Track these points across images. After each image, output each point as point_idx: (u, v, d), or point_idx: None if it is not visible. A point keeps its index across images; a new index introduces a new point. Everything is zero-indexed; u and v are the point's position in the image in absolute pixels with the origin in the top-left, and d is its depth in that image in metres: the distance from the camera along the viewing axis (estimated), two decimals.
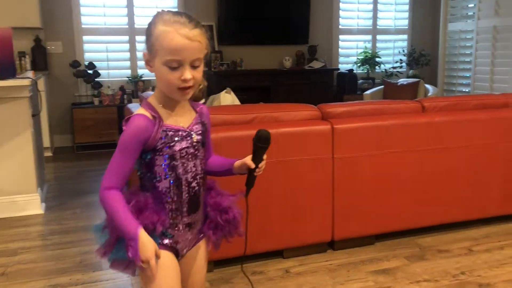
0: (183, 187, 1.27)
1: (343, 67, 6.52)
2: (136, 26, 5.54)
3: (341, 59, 6.62)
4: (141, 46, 5.48)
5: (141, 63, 5.47)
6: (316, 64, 6.14)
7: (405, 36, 6.86)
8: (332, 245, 2.57)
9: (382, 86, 5.92)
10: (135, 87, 5.54)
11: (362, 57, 6.46)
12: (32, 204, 3.24)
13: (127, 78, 5.60)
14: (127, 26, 5.57)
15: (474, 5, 5.87)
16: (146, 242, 1.18)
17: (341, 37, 6.55)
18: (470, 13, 6.00)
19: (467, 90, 6.03)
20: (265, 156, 1.35)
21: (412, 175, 2.59)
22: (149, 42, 1.22)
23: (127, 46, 5.62)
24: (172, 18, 1.19)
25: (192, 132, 1.28)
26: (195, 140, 1.28)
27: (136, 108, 1.47)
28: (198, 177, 1.30)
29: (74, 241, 2.76)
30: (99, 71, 5.40)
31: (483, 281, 2.22)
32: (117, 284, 2.23)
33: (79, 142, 5.22)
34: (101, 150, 5.21)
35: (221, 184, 1.43)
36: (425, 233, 2.75)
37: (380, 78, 6.50)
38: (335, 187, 2.45)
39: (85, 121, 5.19)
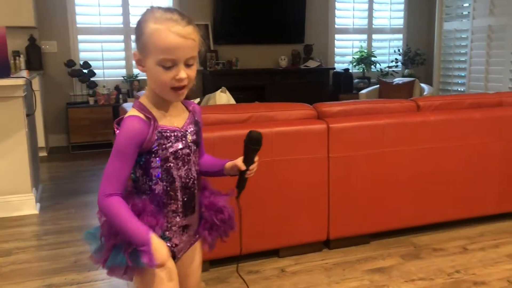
0: (180, 189, 1.25)
1: (339, 67, 6.53)
2: (131, 25, 5.52)
3: (336, 58, 6.63)
4: None
5: None
6: (311, 64, 6.15)
7: (400, 36, 6.88)
8: (328, 244, 2.57)
9: (378, 86, 5.93)
10: (130, 87, 5.53)
11: (357, 56, 6.47)
12: (26, 204, 3.23)
13: (122, 78, 5.58)
14: (122, 26, 5.56)
15: (469, 4, 5.89)
16: (159, 246, 1.15)
17: (336, 36, 6.56)
18: (465, 13, 6.02)
19: (462, 89, 6.05)
20: (256, 158, 1.33)
21: (407, 174, 2.60)
22: (140, 41, 1.18)
23: (122, 45, 5.61)
24: (164, 16, 1.15)
25: (187, 133, 1.26)
26: (190, 141, 1.26)
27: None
28: (193, 178, 1.28)
29: (69, 241, 2.75)
30: (94, 71, 5.38)
31: (477, 279, 2.23)
32: (112, 284, 2.23)
33: (74, 142, 5.20)
34: (96, 150, 5.20)
35: (213, 183, 1.41)
36: (420, 232, 2.76)
37: (376, 77, 6.51)
38: (330, 186, 2.45)
39: (80, 120, 5.17)
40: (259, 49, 6.18)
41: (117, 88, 5.49)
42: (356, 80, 6.40)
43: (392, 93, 5.62)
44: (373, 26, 6.72)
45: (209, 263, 2.32)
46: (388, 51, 6.85)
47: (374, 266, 2.38)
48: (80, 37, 5.47)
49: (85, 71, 5.32)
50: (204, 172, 1.36)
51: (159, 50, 1.15)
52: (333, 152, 2.43)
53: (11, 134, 3.17)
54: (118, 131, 1.20)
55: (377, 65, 6.52)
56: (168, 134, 1.21)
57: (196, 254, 1.39)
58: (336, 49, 6.60)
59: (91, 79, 5.35)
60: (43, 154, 4.88)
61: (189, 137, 1.26)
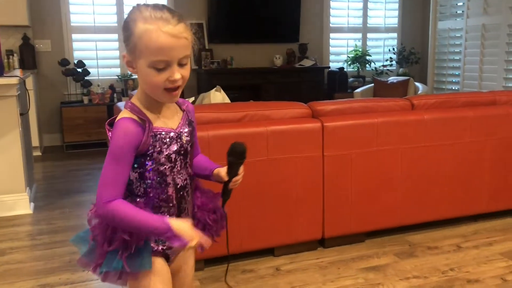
0: (174, 191, 1.23)
1: (334, 65, 6.54)
2: None
3: (331, 57, 6.63)
4: None
5: None
6: (306, 63, 6.15)
7: (395, 35, 6.90)
8: (323, 242, 2.57)
9: (372, 84, 5.94)
10: (124, 86, 5.51)
11: (352, 55, 6.48)
12: (20, 204, 3.21)
13: (117, 77, 5.57)
14: (116, 24, 5.54)
15: (463, 3, 5.91)
16: (181, 226, 1.12)
17: (331, 35, 6.57)
18: (459, 12, 6.05)
19: (456, 88, 6.07)
20: (241, 170, 1.29)
21: (401, 173, 2.61)
22: (129, 42, 1.12)
23: (116, 44, 5.59)
24: (153, 14, 1.10)
25: (181, 134, 1.22)
26: (184, 142, 1.23)
27: None
28: (188, 180, 1.26)
29: (63, 240, 2.74)
30: (89, 70, 5.37)
31: (471, 277, 2.24)
32: (106, 284, 2.21)
33: (68, 141, 5.18)
34: (91, 149, 5.18)
35: (204, 182, 1.39)
36: (414, 230, 2.77)
37: (371, 76, 6.53)
38: (325, 184, 2.46)
39: (74, 120, 5.15)
40: (254, 48, 6.18)
41: (111, 87, 5.47)
42: (351, 79, 6.41)
43: (386, 92, 5.63)
44: (368, 25, 6.74)
45: (203, 262, 2.32)
46: (382, 50, 6.86)
47: (369, 265, 2.38)
48: (74, 36, 5.44)
49: (79, 70, 5.30)
50: (194, 173, 1.33)
51: (150, 51, 1.10)
52: (327, 150, 2.43)
53: (4, 133, 3.15)
54: (111, 134, 1.16)
55: (372, 64, 6.53)
56: (162, 136, 1.18)
57: (188, 255, 1.37)
58: (331, 48, 6.61)
59: (85, 78, 5.33)
60: (37, 153, 4.86)
61: (184, 138, 1.23)
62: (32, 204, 3.32)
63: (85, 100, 5.31)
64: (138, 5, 1.14)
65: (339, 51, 6.69)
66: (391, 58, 6.75)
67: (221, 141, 2.20)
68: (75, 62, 5.32)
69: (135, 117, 1.15)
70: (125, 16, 1.16)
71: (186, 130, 1.25)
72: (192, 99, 3.03)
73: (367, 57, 6.47)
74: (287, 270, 2.33)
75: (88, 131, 5.18)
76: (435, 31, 6.40)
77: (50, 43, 5.36)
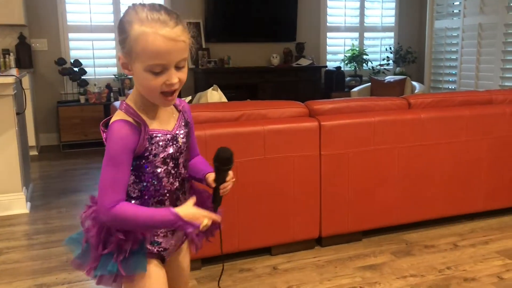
0: (169, 193, 1.21)
1: (331, 65, 6.54)
2: None
3: (328, 56, 6.64)
4: None
5: None
6: (303, 62, 6.15)
7: (392, 34, 6.91)
8: (320, 241, 2.58)
9: (369, 84, 5.95)
10: (121, 85, 5.50)
11: (349, 54, 6.49)
12: (17, 204, 3.20)
13: (114, 76, 5.55)
14: (113, 23, 5.52)
15: (460, 3, 5.92)
16: (189, 211, 1.12)
17: (328, 34, 6.57)
18: (456, 11, 6.06)
19: (453, 87, 6.09)
20: (229, 177, 1.24)
21: (398, 172, 2.61)
22: (125, 44, 1.09)
23: (113, 43, 5.58)
24: (150, 16, 1.06)
25: (177, 136, 1.20)
26: (180, 144, 1.21)
27: None
28: (183, 181, 1.25)
29: (60, 240, 2.74)
30: (85, 69, 5.35)
31: (468, 275, 2.25)
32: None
33: (65, 141, 5.16)
34: (88, 149, 5.18)
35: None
36: (411, 229, 2.78)
37: (368, 75, 6.54)
38: (322, 183, 2.46)
39: (71, 119, 5.13)
40: (251, 47, 6.17)
41: (108, 86, 5.46)
42: (348, 78, 6.42)
43: (383, 91, 5.64)
44: (365, 24, 6.74)
45: (200, 262, 2.32)
46: (379, 49, 6.87)
47: (366, 263, 2.39)
48: (70, 35, 5.43)
49: (76, 69, 5.28)
50: (189, 176, 1.31)
51: (147, 55, 1.06)
52: (325, 149, 2.44)
53: (1, 133, 3.14)
54: (106, 137, 1.13)
55: (369, 63, 6.54)
56: (158, 139, 1.16)
57: (183, 256, 1.37)
58: (328, 47, 6.61)
59: (82, 77, 5.32)
60: (33, 153, 4.84)
61: (180, 140, 1.21)
62: (28, 203, 3.31)
63: (82, 99, 5.30)
64: (134, 5, 1.10)
65: (336, 50, 6.69)
66: (388, 57, 6.76)
67: (218, 140, 2.20)
68: (72, 61, 5.31)
69: (130, 119, 1.13)
70: (122, 15, 1.13)
71: (182, 132, 1.22)
72: (189, 98, 3.03)
73: (364, 56, 6.48)
74: (284, 269, 2.33)
75: (84, 130, 5.17)
76: (432, 30, 6.42)
77: (46, 42, 5.35)
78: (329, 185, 2.47)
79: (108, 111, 5.10)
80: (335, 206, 2.51)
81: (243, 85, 5.75)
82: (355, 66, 6.46)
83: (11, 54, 4.97)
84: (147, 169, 1.16)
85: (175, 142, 1.19)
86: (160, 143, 1.16)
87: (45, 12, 5.29)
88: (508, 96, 2.99)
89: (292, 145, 2.37)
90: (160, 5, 1.11)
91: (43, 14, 5.28)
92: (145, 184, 1.18)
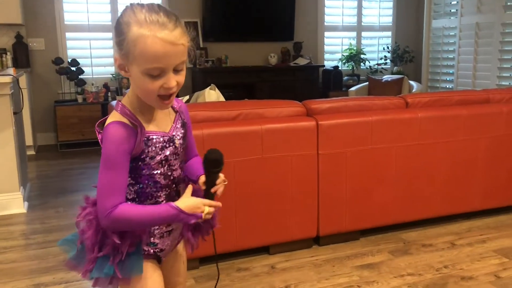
0: (165, 194, 1.20)
1: (328, 64, 6.55)
2: None
3: (326, 56, 6.64)
4: None
5: None
6: (301, 61, 6.15)
7: (389, 33, 6.92)
8: (318, 240, 2.58)
9: (367, 83, 5.96)
10: (119, 84, 5.49)
11: (347, 54, 6.49)
12: (14, 203, 3.19)
13: (111, 75, 5.54)
14: (110, 23, 5.51)
15: (457, 2, 5.93)
16: (189, 203, 1.12)
17: (326, 34, 6.58)
18: (453, 10, 6.07)
19: (450, 86, 6.10)
20: (219, 180, 1.19)
21: (396, 171, 2.61)
22: (122, 46, 1.06)
23: (110, 43, 5.57)
24: (148, 18, 1.03)
25: (174, 137, 1.19)
26: (177, 145, 1.19)
27: None
28: (180, 183, 1.24)
29: (57, 240, 2.69)
30: (83, 68, 5.34)
31: (465, 274, 2.26)
32: None
33: (62, 140, 5.16)
34: (85, 148, 5.17)
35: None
36: (409, 228, 2.78)
37: (365, 74, 6.54)
38: (320, 183, 2.46)
39: (68, 118, 5.12)
40: (248, 46, 6.17)
41: (105, 85, 5.45)
42: (345, 78, 6.43)
43: (381, 90, 5.65)
44: (362, 24, 6.75)
45: (198, 261, 2.32)
46: (377, 48, 6.88)
47: (364, 262, 2.39)
48: (68, 34, 5.42)
49: (73, 68, 5.27)
50: (185, 176, 1.29)
51: (145, 59, 1.04)
52: (322, 149, 2.44)
53: None
54: (102, 138, 1.11)
55: (367, 62, 6.55)
56: (155, 141, 1.14)
57: (179, 256, 1.36)
58: (325, 47, 6.62)
59: (79, 76, 5.30)
60: (31, 152, 4.83)
61: (177, 142, 1.19)
62: (26, 203, 3.31)
63: (79, 99, 5.29)
64: (132, 5, 1.07)
65: (333, 50, 6.70)
66: (385, 56, 6.76)
67: (215, 139, 2.20)
68: (69, 61, 5.30)
69: (126, 120, 1.11)
70: (119, 15, 1.10)
71: (179, 133, 1.21)
72: (187, 97, 3.03)
73: (362, 56, 6.49)
74: (282, 268, 2.34)
75: (82, 130, 5.16)
76: (429, 29, 6.43)
77: (43, 41, 5.33)
78: (327, 184, 2.48)
79: (105, 110, 5.09)
80: (333, 205, 2.51)
81: (240, 85, 5.75)
82: (352, 66, 6.47)
83: (8, 53, 4.96)
84: (144, 171, 1.15)
85: (171, 144, 1.18)
86: (157, 145, 1.15)
87: (42, 11, 5.28)
88: (505, 95, 3.00)
89: (289, 144, 2.37)
90: (159, 5, 1.08)
91: (40, 13, 5.27)
92: (141, 185, 1.17)
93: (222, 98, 3.08)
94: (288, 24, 6.23)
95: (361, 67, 6.56)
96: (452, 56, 6.06)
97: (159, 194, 1.19)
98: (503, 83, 5.28)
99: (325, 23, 6.54)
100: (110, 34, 5.53)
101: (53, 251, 2.57)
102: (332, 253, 2.50)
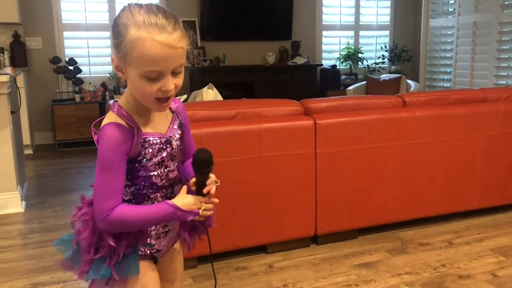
0: (163, 195, 1.19)
1: (326, 63, 6.55)
2: None
3: (324, 55, 6.64)
4: None
5: None
6: (299, 60, 6.16)
7: (387, 32, 6.92)
8: (316, 239, 2.58)
9: (365, 82, 5.97)
10: (117, 83, 5.48)
11: (345, 53, 6.49)
12: (12, 203, 3.19)
13: (109, 74, 5.54)
14: (108, 22, 5.51)
15: (455, 1, 5.94)
16: (185, 201, 1.12)
17: (324, 33, 6.58)
18: (450, 9, 6.08)
19: (448, 85, 6.11)
20: (209, 180, 1.15)
21: (393, 169, 2.62)
22: (120, 48, 1.04)
23: (108, 42, 5.55)
24: (147, 20, 1.01)
25: (171, 139, 1.17)
26: (174, 147, 1.18)
27: None
28: (176, 183, 1.23)
29: (55, 239, 2.71)
30: (80, 67, 5.33)
31: (462, 272, 2.26)
32: None
33: (60, 140, 5.15)
34: (83, 147, 5.16)
35: None
36: (406, 227, 2.79)
37: (363, 73, 6.55)
38: (318, 182, 2.46)
39: (66, 118, 5.11)
40: (246, 45, 6.17)
41: (103, 85, 5.44)
42: (343, 77, 6.43)
43: (379, 89, 5.65)
44: (360, 23, 6.75)
45: (196, 260, 2.32)
46: (375, 47, 6.89)
47: (361, 261, 2.40)
48: (65, 33, 5.41)
49: (70, 67, 5.26)
50: (182, 177, 1.28)
51: (143, 61, 1.02)
52: (320, 148, 2.44)
53: None
54: (98, 139, 1.10)
55: (364, 61, 6.55)
56: (152, 143, 1.13)
57: (177, 254, 1.36)
58: (323, 46, 6.62)
59: (77, 76, 5.30)
60: (28, 152, 4.82)
61: (174, 143, 1.18)
62: (23, 202, 3.30)
63: (77, 98, 5.28)
64: (129, 5, 1.04)
65: (331, 49, 6.70)
66: (383, 55, 6.77)
67: (213, 138, 2.20)
68: (67, 60, 5.29)
69: (122, 122, 1.09)
70: (117, 13, 1.09)
71: (176, 134, 1.20)
72: (184, 96, 3.03)
73: (360, 55, 6.49)
74: (280, 267, 2.34)
75: (80, 129, 5.15)
76: (427, 28, 6.44)
77: (41, 40, 5.32)
78: (325, 183, 2.48)
79: (103, 109, 5.09)
80: (331, 204, 2.51)
81: (238, 84, 5.75)
82: (350, 65, 6.47)
83: (6, 52, 4.94)
84: (140, 172, 1.14)
85: (168, 146, 1.17)
86: (154, 147, 1.14)
87: (39, 10, 5.26)
88: (503, 94, 3.01)
89: (287, 143, 2.37)
90: (157, 6, 1.06)
91: (37, 12, 5.26)
92: (137, 187, 1.16)
93: (220, 97, 3.08)
94: (286, 23, 6.23)
95: (359, 66, 6.57)
96: (449, 55, 6.07)
97: (155, 196, 1.18)
98: (501, 82, 5.29)
99: (323, 22, 6.54)
100: (107, 33, 5.52)
101: (50, 251, 2.57)
102: (330, 252, 2.50)
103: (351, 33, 6.73)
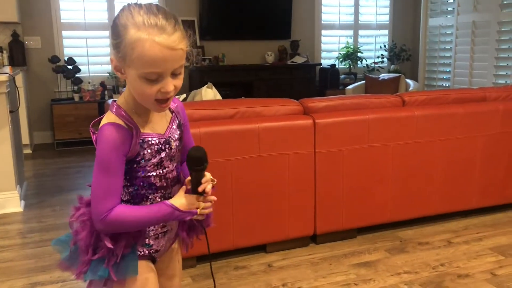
0: (161, 196, 1.19)
1: (325, 62, 6.55)
2: None
3: (323, 54, 6.64)
4: None
5: None
6: (298, 59, 6.15)
7: (386, 32, 6.92)
8: (315, 239, 2.58)
9: (364, 81, 5.97)
10: (116, 83, 5.48)
11: (344, 52, 6.49)
12: (11, 202, 3.19)
13: (108, 74, 5.53)
14: (107, 21, 5.50)
15: (454, 0, 5.94)
16: (183, 201, 1.12)
17: (323, 32, 6.58)
18: (450, 9, 6.08)
19: (447, 85, 6.11)
20: (205, 178, 1.14)
21: (393, 169, 2.62)
22: (119, 49, 1.03)
23: (107, 41, 5.55)
24: (147, 21, 1.00)
25: (170, 139, 1.16)
26: (173, 147, 1.17)
27: None
28: (175, 184, 1.22)
29: (54, 238, 2.71)
30: (79, 67, 5.33)
31: (461, 272, 2.26)
32: None
33: (59, 139, 5.14)
34: (82, 147, 5.15)
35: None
36: (406, 226, 2.79)
37: (362, 73, 6.55)
38: (317, 181, 2.46)
39: (65, 117, 5.11)
40: (245, 45, 6.17)
41: (102, 84, 5.44)
42: (342, 76, 6.43)
43: (378, 88, 5.65)
44: (359, 22, 6.75)
45: (196, 259, 2.32)
46: (374, 47, 6.89)
47: (361, 260, 2.40)
48: (64, 32, 5.40)
49: (69, 67, 5.26)
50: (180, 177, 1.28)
51: (142, 63, 1.01)
52: (319, 147, 2.44)
53: None
54: (97, 139, 1.09)
55: (363, 61, 6.55)
56: (151, 143, 1.12)
57: (175, 254, 1.35)
58: (322, 45, 6.62)
59: (76, 75, 5.29)
60: (27, 151, 4.82)
61: (173, 144, 1.17)
62: (22, 202, 3.30)
63: (76, 97, 5.27)
64: (129, 5, 1.03)
65: (330, 48, 6.70)
66: (382, 55, 6.77)
67: (212, 138, 2.20)
68: (66, 59, 5.28)
69: (121, 122, 1.08)
70: (116, 13, 1.08)
71: (175, 134, 1.19)
72: (183, 96, 3.03)
73: (359, 54, 6.49)
74: (279, 267, 2.34)
75: (79, 128, 5.15)
76: (426, 28, 6.44)
77: (40, 39, 5.31)
78: (324, 182, 2.48)
79: (102, 109, 5.08)
80: (330, 203, 2.51)
81: (237, 83, 5.75)
82: (349, 64, 6.47)
83: (4, 51, 4.93)
84: (139, 173, 1.14)
85: (167, 146, 1.16)
86: (152, 148, 1.13)
87: (38, 9, 5.26)
88: (501, 94, 3.01)
89: (286, 142, 2.37)
90: (157, 6, 1.05)
91: (36, 12, 5.25)
92: (136, 187, 1.15)
93: (219, 97, 3.08)
94: (285, 23, 6.23)
95: (358, 66, 6.57)
96: (448, 55, 6.07)
97: (154, 196, 1.18)
98: (500, 81, 5.30)
99: (322, 22, 6.54)
100: (106, 33, 5.51)
101: (49, 250, 2.57)
102: (329, 251, 2.50)
103: (350, 32, 6.73)
